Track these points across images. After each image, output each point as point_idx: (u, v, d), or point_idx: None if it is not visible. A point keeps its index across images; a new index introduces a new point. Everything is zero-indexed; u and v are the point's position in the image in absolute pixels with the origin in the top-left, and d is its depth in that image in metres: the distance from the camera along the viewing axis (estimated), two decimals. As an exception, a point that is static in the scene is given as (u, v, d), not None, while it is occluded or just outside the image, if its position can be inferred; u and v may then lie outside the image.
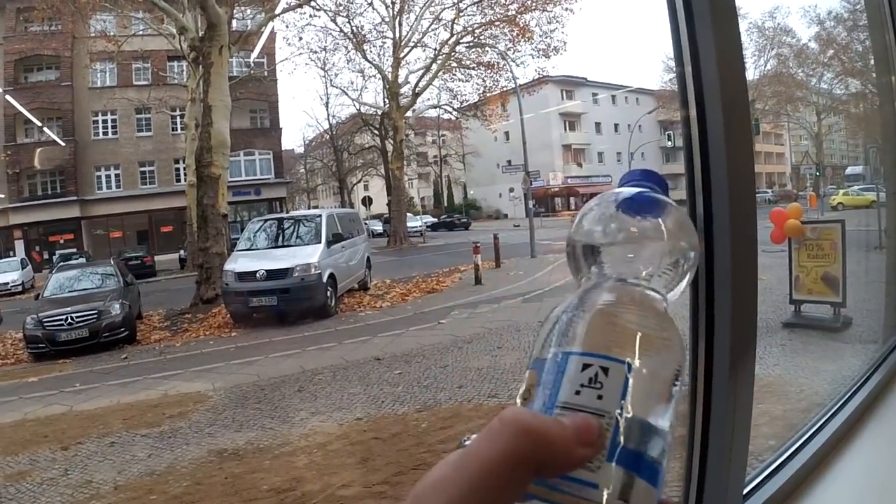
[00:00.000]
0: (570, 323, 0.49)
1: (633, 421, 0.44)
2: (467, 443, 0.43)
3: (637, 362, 0.46)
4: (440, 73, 32.92)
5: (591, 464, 0.42)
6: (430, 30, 33.09)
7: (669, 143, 56.75)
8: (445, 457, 0.43)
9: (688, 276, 0.57)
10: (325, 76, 50.00)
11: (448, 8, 32.36)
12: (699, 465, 1.28)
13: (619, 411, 0.44)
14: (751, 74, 38.94)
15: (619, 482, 0.42)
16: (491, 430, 0.40)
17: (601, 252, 0.56)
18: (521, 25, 31.27)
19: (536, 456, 0.39)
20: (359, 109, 41.45)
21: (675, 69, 1.25)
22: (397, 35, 32.53)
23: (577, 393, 0.44)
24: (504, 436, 0.40)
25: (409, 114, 34.59)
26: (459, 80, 34.25)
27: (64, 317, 12.94)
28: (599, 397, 0.44)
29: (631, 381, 0.45)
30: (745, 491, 1.40)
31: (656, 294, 0.53)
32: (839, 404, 1.86)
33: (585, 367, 0.45)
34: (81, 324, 12.94)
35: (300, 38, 43.29)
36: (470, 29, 32.12)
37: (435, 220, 51.94)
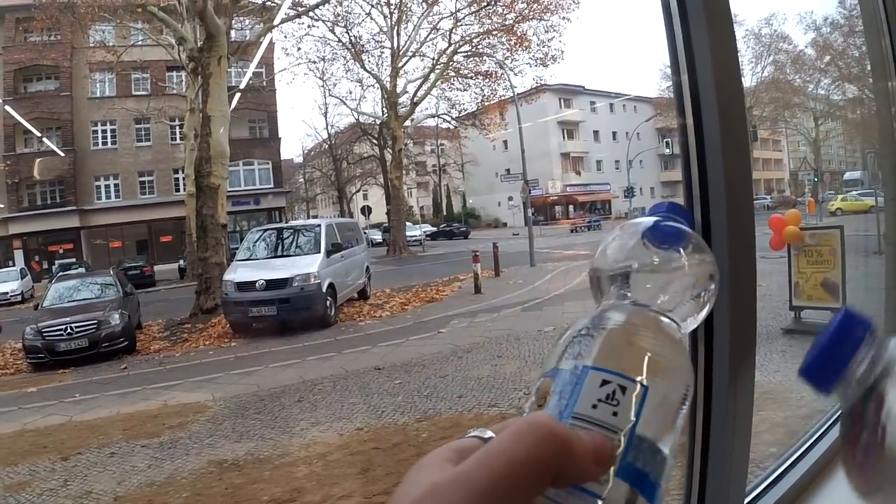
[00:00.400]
0: (591, 338, 0.50)
1: (643, 441, 0.45)
2: (474, 434, 0.44)
3: (652, 386, 0.47)
4: (438, 82, 33.04)
5: (601, 477, 0.42)
6: (428, 39, 33.27)
7: (668, 150, 56.93)
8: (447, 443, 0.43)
9: (706, 308, 0.59)
10: (323, 86, 50.00)
11: (446, 18, 32.58)
12: (700, 473, 1.28)
13: (631, 430, 0.45)
14: (748, 81, 39.09)
15: (623, 498, 0.43)
16: (518, 431, 0.40)
17: (624, 278, 0.57)
18: (519, 35, 31.44)
19: (559, 463, 0.39)
20: (357, 119, 41.60)
21: (671, 78, 1.25)
22: (395, 45, 32.66)
23: (594, 407, 0.45)
24: (531, 437, 0.39)
25: (407, 123, 34.64)
26: (457, 89, 34.39)
27: (63, 327, 12.93)
28: (615, 414, 0.45)
29: (646, 403, 0.46)
30: (746, 500, 1.40)
31: (673, 322, 0.55)
32: (840, 411, 1.86)
33: (605, 383, 0.46)
34: (81, 334, 12.94)
35: (299, 49, 43.14)
36: (468, 38, 32.28)
37: (434, 229, 51.99)
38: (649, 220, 0.62)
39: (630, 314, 0.53)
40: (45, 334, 12.86)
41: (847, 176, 39.01)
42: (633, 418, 0.45)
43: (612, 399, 0.45)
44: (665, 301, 0.56)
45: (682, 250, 0.58)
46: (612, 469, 0.43)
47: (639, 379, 0.47)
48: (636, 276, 0.57)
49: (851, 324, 0.55)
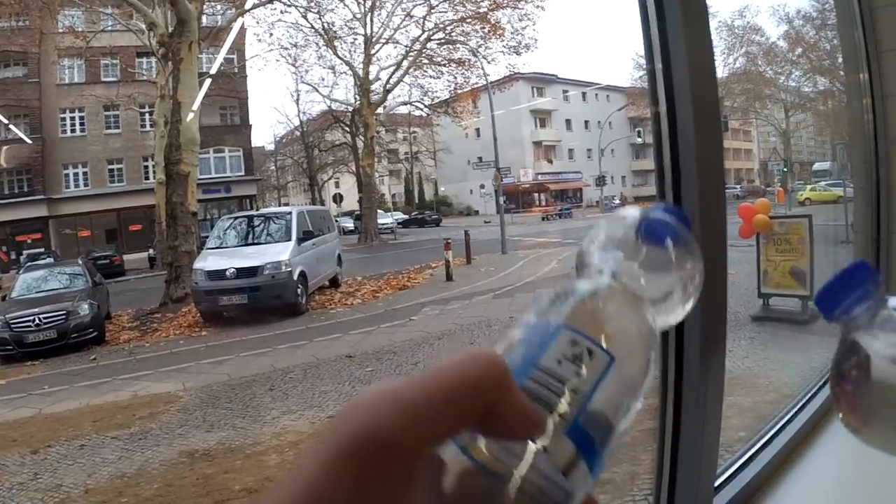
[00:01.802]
0: (569, 300, 0.51)
1: (597, 410, 0.45)
2: None
3: (618, 359, 0.47)
4: (411, 69, 32.95)
5: (549, 430, 0.43)
6: (401, 26, 33.18)
7: (639, 139, 57.32)
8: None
9: (681, 312, 0.59)
10: (295, 73, 49.75)
11: (419, 4, 32.44)
12: (671, 458, 1.29)
13: (589, 394, 0.45)
14: (720, 72, 39.25)
15: (567, 457, 0.43)
16: (457, 358, 0.40)
17: (612, 263, 0.58)
18: (493, 22, 31.41)
19: (492, 393, 0.39)
20: (329, 106, 41.34)
21: (645, 66, 1.25)
22: (368, 31, 32.48)
23: (559, 363, 0.45)
24: (468, 363, 0.40)
25: (380, 110, 34.56)
26: (430, 76, 34.31)
27: (32, 318, 12.76)
28: (577, 374, 0.45)
29: (609, 373, 0.46)
30: (716, 483, 1.42)
31: (650, 312, 0.54)
32: (809, 396, 1.89)
33: (574, 343, 0.46)
34: (49, 325, 12.77)
35: (271, 35, 42.82)
36: (441, 26, 32.19)
37: (406, 216, 52.03)
38: (646, 212, 0.62)
39: (612, 289, 0.53)
40: (12, 326, 12.68)
41: (816, 167, 39.50)
42: (593, 383, 0.45)
43: (577, 360, 0.45)
44: (646, 290, 0.56)
45: (672, 249, 0.59)
46: (564, 426, 0.43)
47: (606, 347, 0.47)
48: (623, 264, 0.57)
49: (861, 270, 0.68)
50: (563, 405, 0.44)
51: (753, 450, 1.60)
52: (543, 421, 0.43)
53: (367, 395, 0.37)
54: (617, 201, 51.38)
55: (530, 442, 0.42)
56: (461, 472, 0.42)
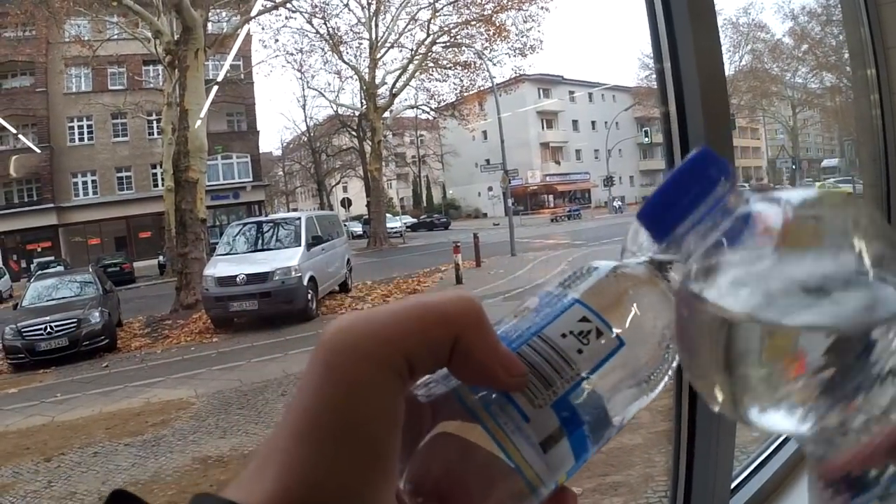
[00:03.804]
0: (591, 276, 0.49)
1: (594, 391, 0.43)
2: None
3: (628, 346, 0.45)
4: (417, 73, 32.89)
5: (536, 398, 0.42)
6: (406, 30, 33.09)
7: (646, 139, 57.13)
8: None
9: None
10: (301, 78, 49.66)
11: (424, 8, 32.40)
12: (686, 460, 1.28)
13: (587, 375, 0.43)
14: (726, 70, 39.08)
15: (549, 430, 0.41)
16: (444, 291, 0.42)
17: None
18: (498, 24, 31.34)
19: (463, 327, 0.40)
20: (336, 111, 41.42)
21: (653, 66, 1.25)
22: (374, 36, 32.47)
23: (563, 336, 0.44)
24: (451, 293, 0.41)
25: (386, 114, 34.57)
26: (436, 79, 34.23)
27: (43, 326, 12.81)
28: (580, 351, 0.44)
29: (614, 358, 0.44)
30: (732, 485, 1.41)
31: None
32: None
33: (584, 319, 0.45)
34: (61, 333, 12.82)
35: (276, 41, 42.82)
36: (446, 29, 32.14)
37: (414, 220, 51.93)
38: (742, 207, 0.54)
39: (644, 276, 0.50)
40: (24, 334, 12.73)
41: (825, 163, 39.37)
42: (594, 364, 0.44)
43: (583, 337, 0.44)
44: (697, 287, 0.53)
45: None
46: (551, 398, 0.42)
47: (617, 331, 0.45)
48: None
49: (705, 163, 0.47)
50: (555, 377, 0.43)
51: (769, 451, 1.59)
52: (520, 370, 0.42)
53: (346, 316, 0.40)
54: (617, 203, 51.23)
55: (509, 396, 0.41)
56: (442, 398, 0.42)
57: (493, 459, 0.40)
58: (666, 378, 0.49)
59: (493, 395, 0.41)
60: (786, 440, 1.64)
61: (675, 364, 0.49)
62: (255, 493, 0.35)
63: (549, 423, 0.42)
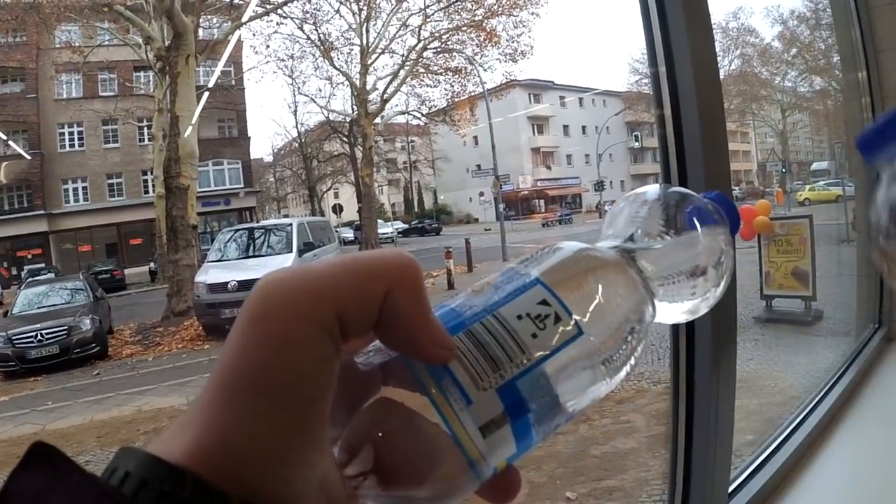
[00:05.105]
0: (556, 256, 0.48)
1: (544, 379, 0.42)
2: None
3: (587, 334, 0.44)
4: (408, 78, 32.92)
5: (481, 380, 0.40)
6: (397, 36, 33.11)
7: (637, 143, 57.35)
8: None
9: (691, 309, 0.56)
10: (292, 84, 49.79)
11: (415, 14, 32.46)
12: (684, 464, 1.28)
13: (539, 360, 0.42)
14: (716, 74, 39.15)
15: (492, 414, 0.40)
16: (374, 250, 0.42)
17: (631, 234, 0.55)
18: (488, 30, 31.42)
19: (394, 282, 0.39)
20: (327, 117, 41.34)
21: (647, 70, 1.25)
22: (364, 42, 32.47)
23: (519, 318, 0.42)
24: (389, 251, 0.40)
25: (377, 120, 34.52)
26: (427, 85, 34.25)
27: (34, 334, 12.74)
28: (534, 336, 0.42)
29: (570, 347, 0.43)
30: (730, 489, 1.40)
31: (651, 296, 0.50)
32: (817, 399, 1.88)
33: (544, 303, 0.43)
34: (52, 340, 12.75)
35: (267, 47, 42.99)
36: (437, 34, 32.18)
37: (406, 225, 52.03)
38: (692, 195, 0.59)
39: (611, 256, 0.50)
40: (15, 342, 12.66)
41: (814, 166, 39.47)
42: (549, 351, 0.42)
43: (540, 321, 0.42)
44: (656, 270, 0.52)
45: (702, 236, 0.56)
46: (498, 382, 0.40)
47: (577, 318, 0.43)
48: (643, 240, 0.54)
49: None
50: (504, 361, 0.41)
51: (765, 454, 1.59)
52: (446, 342, 0.40)
53: (278, 270, 0.39)
54: (608, 207, 51.42)
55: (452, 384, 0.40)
56: (387, 365, 0.41)
57: (436, 431, 0.39)
58: (629, 366, 0.47)
59: (441, 368, 0.40)
60: (782, 443, 1.64)
61: (639, 350, 0.48)
62: (174, 448, 0.33)
63: (492, 408, 0.40)
